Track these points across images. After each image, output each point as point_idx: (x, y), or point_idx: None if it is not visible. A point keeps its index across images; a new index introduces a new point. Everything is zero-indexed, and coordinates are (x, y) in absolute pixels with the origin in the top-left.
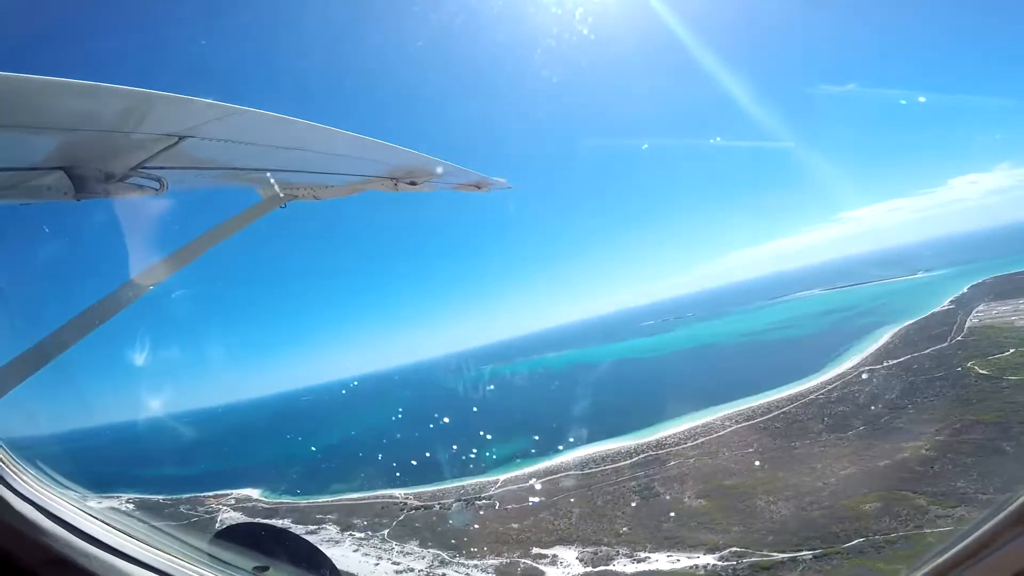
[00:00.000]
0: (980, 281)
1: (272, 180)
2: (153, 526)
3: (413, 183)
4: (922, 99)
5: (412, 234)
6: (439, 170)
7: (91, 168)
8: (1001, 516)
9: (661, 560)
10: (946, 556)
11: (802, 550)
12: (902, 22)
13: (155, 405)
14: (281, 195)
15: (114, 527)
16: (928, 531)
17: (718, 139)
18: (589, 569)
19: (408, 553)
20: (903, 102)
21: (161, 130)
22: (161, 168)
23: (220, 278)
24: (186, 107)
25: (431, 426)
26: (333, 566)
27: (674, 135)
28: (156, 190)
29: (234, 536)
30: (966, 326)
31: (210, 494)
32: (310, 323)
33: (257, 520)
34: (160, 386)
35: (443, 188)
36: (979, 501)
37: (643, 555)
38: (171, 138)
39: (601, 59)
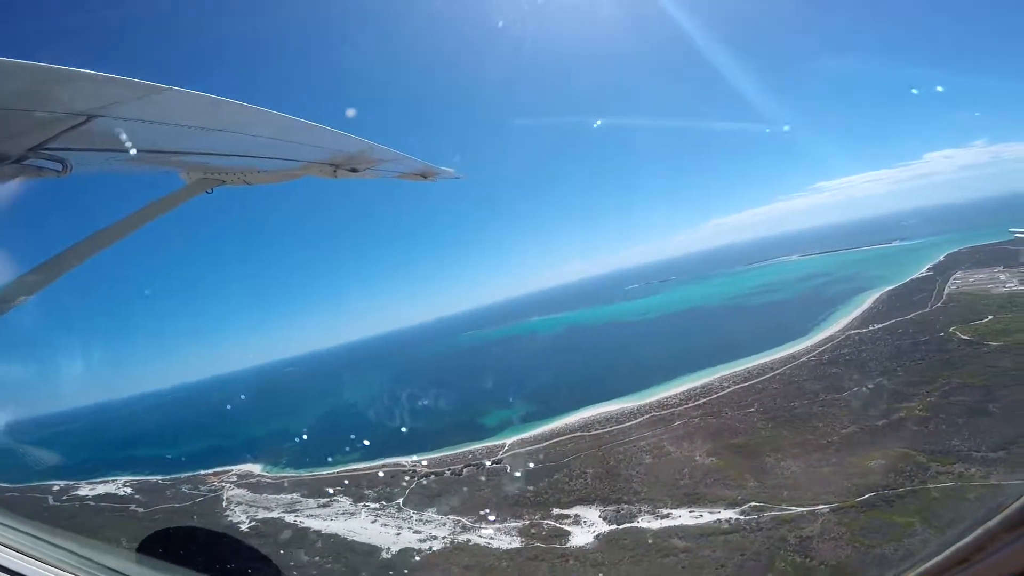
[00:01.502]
0: (956, 250)
1: (197, 164)
2: (61, 547)
3: (354, 170)
4: (902, 76)
5: (392, 203)
6: (382, 157)
7: None
8: (995, 521)
9: (684, 516)
10: (940, 559)
11: (818, 504)
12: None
13: (119, 388)
14: (207, 180)
15: (17, 550)
16: (932, 486)
17: (707, 118)
18: (614, 527)
19: (427, 521)
20: (881, 79)
21: (66, 108)
22: (66, 150)
23: (161, 262)
24: (97, 85)
25: (427, 392)
26: (278, 571)
27: (657, 105)
28: (58, 172)
29: (160, 546)
30: (945, 293)
31: (210, 472)
32: (282, 295)
33: (191, 525)
34: (116, 370)
35: (386, 176)
36: (974, 459)
37: (665, 511)
38: (78, 117)
39: (585, 35)
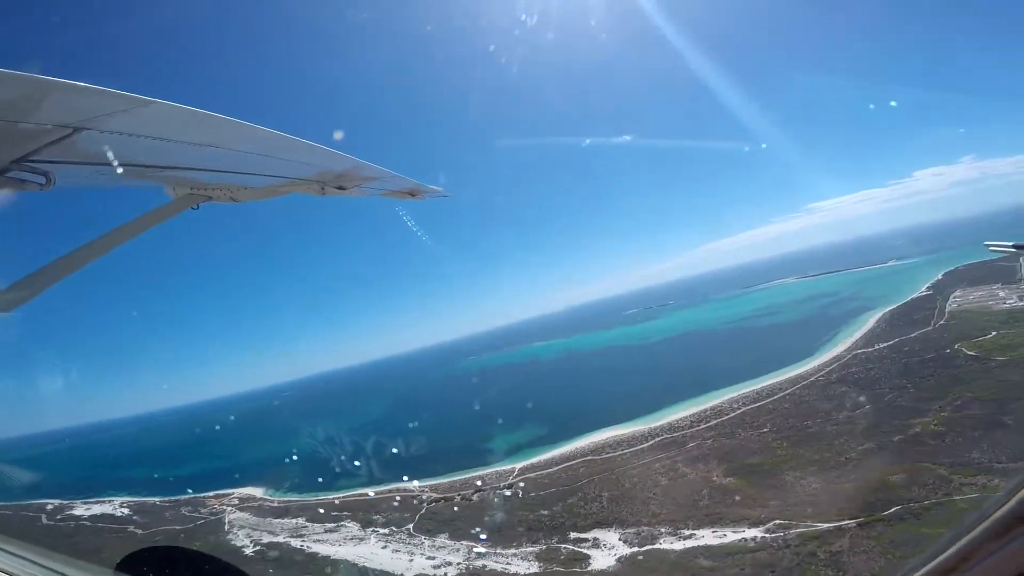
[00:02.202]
0: (953, 268)
1: (183, 179)
2: (41, 564)
3: (341, 187)
4: (888, 94)
5: (385, 229)
6: (370, 175)
7: None
8: (979, 530)
9: (707, 536)
10: (926, 569)
11: (844, 519)
12: (873, 17)
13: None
14: (194, 195)
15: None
16: (958, 498)
17: (701, 142)
18: (636, 549)
19: (440, 547)
20: (870, 98)
21: (52, 120)
22: (50, 162)
23: (147, 279)
24: (84, 96)
25: (432, 417)
26: None
27: (650, 130)
28: (41, 185)
29: (139, 566)
30: (946, 311)
31: (210, 494)
32: (280, 318)
33: (172, 544)
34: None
35: (373, 194)
36: (995, 469)
37: (687, 532)
38: (64, 129)
39: (578, 56)
